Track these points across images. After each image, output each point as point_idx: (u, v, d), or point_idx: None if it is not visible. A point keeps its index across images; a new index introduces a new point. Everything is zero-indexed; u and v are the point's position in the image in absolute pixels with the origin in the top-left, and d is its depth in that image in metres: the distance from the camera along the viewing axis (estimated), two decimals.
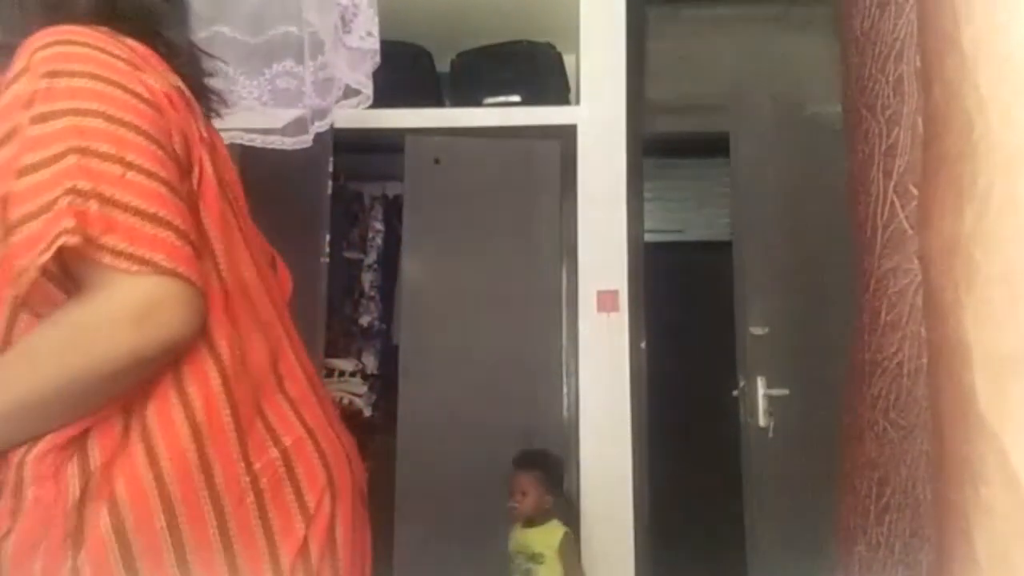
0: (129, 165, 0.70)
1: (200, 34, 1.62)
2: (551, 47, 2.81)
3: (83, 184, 0.67)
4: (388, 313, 3.20)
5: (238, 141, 1.70)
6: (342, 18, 1.73)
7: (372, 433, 3.20)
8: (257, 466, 0.75)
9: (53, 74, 0.71)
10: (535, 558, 2.26)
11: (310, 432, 0.82)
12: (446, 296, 2.63)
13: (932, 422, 0.35)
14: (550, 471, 2.36)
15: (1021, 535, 0.28)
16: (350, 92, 1.89)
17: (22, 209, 0.67)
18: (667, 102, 3.10)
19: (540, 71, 2.78)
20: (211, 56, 0.95)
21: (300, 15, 1.68)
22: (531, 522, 2.31)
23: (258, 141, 1.70)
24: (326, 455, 0.82)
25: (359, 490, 0.88)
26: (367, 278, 3.20)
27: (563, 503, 2.38)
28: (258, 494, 0.75)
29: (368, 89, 1.88)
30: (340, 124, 2.10)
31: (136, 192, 0.69)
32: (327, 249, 2.38)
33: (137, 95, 0.74)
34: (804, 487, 2.08)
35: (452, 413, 2.49)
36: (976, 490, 0.30)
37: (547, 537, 2.28)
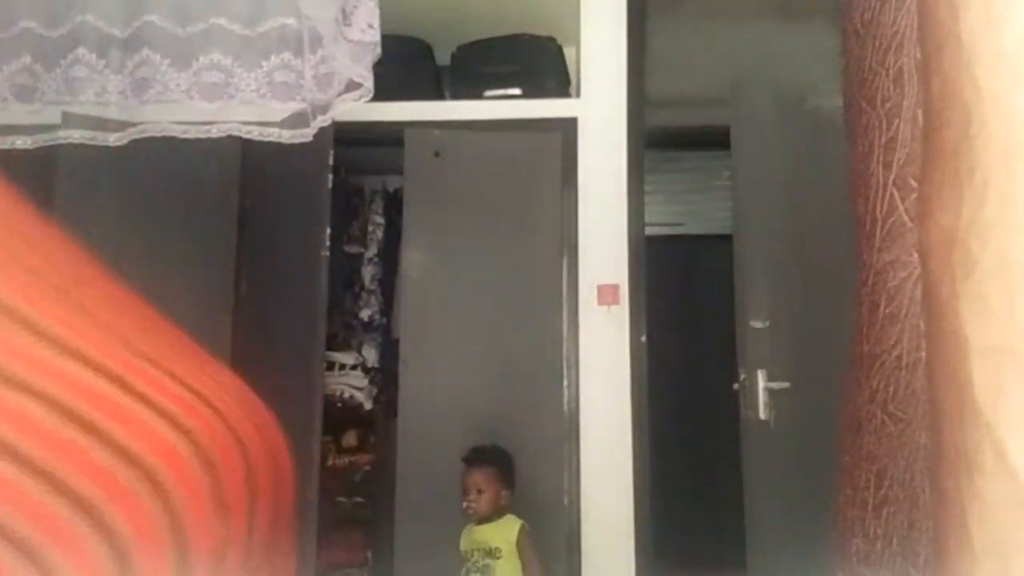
0: None
1: (197, 27, 1.62)
2: (551, 40, 2.80)
3: None
4: (388, 307, 3.21)
5: (235, 133, 1.70)
6: (343, 11, 1.73)
7: (372, 426, 3.22)
8: None
9: None
10: (493, 553, 2.23)
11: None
12: (446, 290, 2.63)
13: (929, 414, 0.35)
14: (504, 466, 2.32)
15: (1017, 525, 0.28)
16: (351, 85, 1.89)
17: None
18: (668, 95, 3.09)
19: (540, 64, 2.77)
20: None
21: (298, 8, 1.68)
22: (485, 518, 2.28)
23: (255, 133, 1.70)
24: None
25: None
26: (367, 272, 3.20)
27: (515, 499, 2.31)
28: None
29: (369, 82, 1.87)
30: (340, 118, 2.09)
31: None
32: (328, 243, 2.38)
33: None
34: (804, 480, 2.08)
35: (452, 406, 2.49)
36: (972, 480, 0.30)
37: (504, 532, 2.25)
